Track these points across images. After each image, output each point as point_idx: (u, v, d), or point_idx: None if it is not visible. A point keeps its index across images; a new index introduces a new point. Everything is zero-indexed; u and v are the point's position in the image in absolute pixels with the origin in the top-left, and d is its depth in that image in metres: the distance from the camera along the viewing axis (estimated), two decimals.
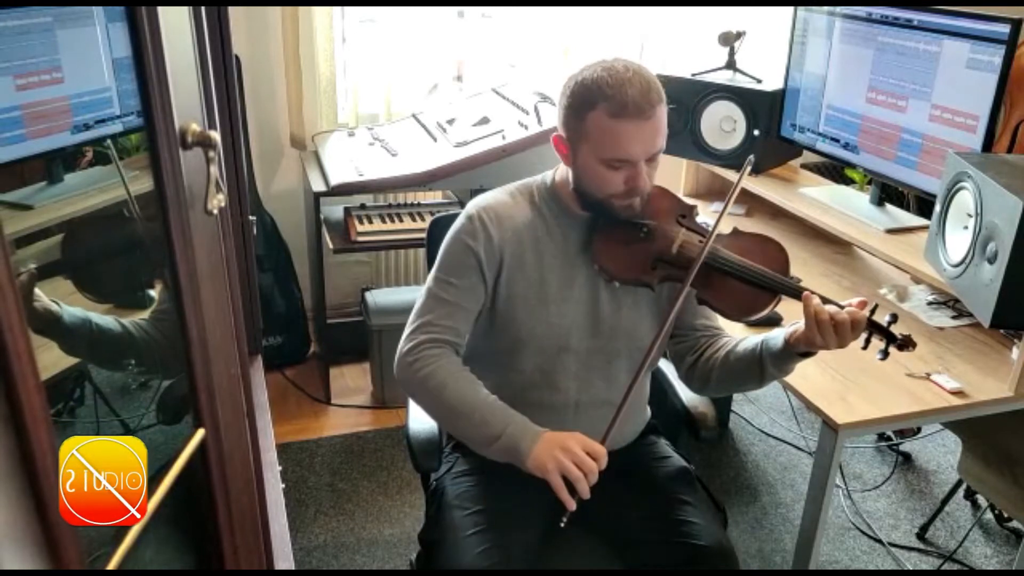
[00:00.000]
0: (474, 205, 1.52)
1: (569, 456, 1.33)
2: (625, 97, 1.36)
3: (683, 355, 1.61)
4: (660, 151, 1.43)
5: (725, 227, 1.51)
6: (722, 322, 1.62)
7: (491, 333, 1.54)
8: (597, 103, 1.37)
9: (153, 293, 1.04)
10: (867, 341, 1.42)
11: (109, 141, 0.94)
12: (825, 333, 1.35)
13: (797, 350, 1.42)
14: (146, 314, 1.02)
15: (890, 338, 1.40)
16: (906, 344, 1.40)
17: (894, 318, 1.41)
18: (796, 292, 1.43)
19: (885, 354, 1.41)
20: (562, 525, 1.32)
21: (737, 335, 1.59)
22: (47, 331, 0.82)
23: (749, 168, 1.50)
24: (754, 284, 1.46)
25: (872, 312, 1.39)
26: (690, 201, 1.60)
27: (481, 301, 1.51)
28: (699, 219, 1.56)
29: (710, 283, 1.47)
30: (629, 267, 1.49)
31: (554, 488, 1.32)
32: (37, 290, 0.80)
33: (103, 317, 0.94)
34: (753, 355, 1.49)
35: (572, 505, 1.31)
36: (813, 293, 1.39)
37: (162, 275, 0.99)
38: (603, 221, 1.50)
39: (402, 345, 1.49)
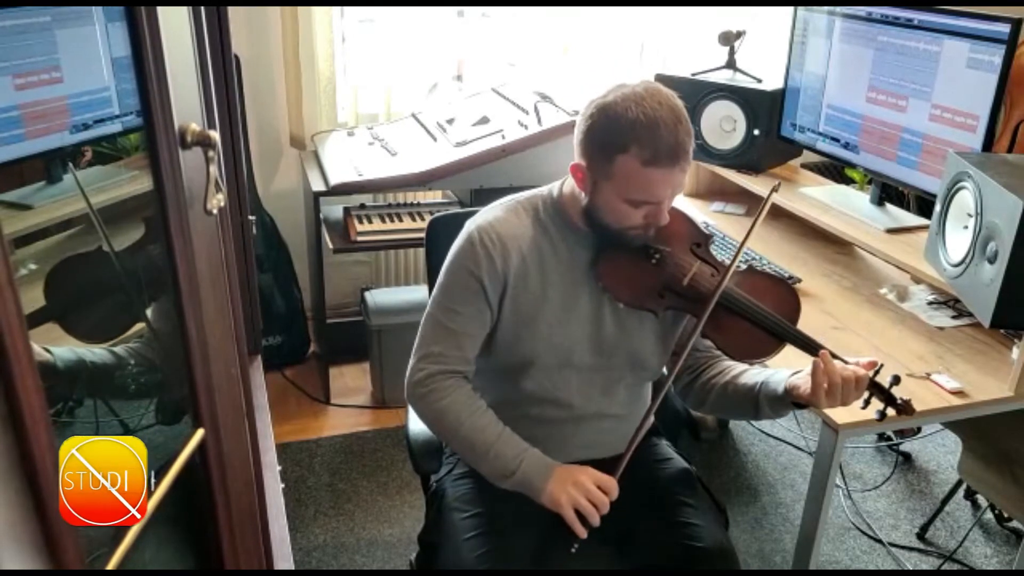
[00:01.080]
0: (475, 226, 1.47)
1: (581, 492, 1.36)
2: (659, 142, 1.30)
3: (681, 373, 1.59)
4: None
5: (732, 232, 1.49)
6: None
7: (493, 351, 1.52)
8: (629, 147, 1.31)
9: (146, 316, 1.03)
10: (867, 401, 1.40)
11: (71, 166, 0.93)
12: (832, 398, 1.35)
13: (796, 400, 1.40)
14: (139, 336, 1.01)
15: (890, 400, 1.38)
16: (905, 410, 1.38)
17: (896, 380, 1.39)
18: (803, 344, 1.42)
19: (882, 415, 1.38)
20: (572, 551, 1.36)
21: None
22: (43, 380, 0.81)
23: (772, 197, 1.47)
24: (763, 328, 1.43)
25: (876, 373, 1.37)
26: (690, 202, 1.59)
27: (488, 325, 1.48)
28: (711, 234, 1.53)
29: (718, 322, 1.44)
30: (636, 292, 1.45)
31: (568, 521, 1.36)
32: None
33: (94, 351, 0.93)
34: (751, 393, 1.47)
35: (584, 535, 1.35)
36: (822, 354, 1.37)
37: (151, 299, 0.98)
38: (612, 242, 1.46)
39: (411, 374, 1.48)
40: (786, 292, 1.50)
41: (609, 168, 1.35)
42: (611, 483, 1.37)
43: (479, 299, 1.45)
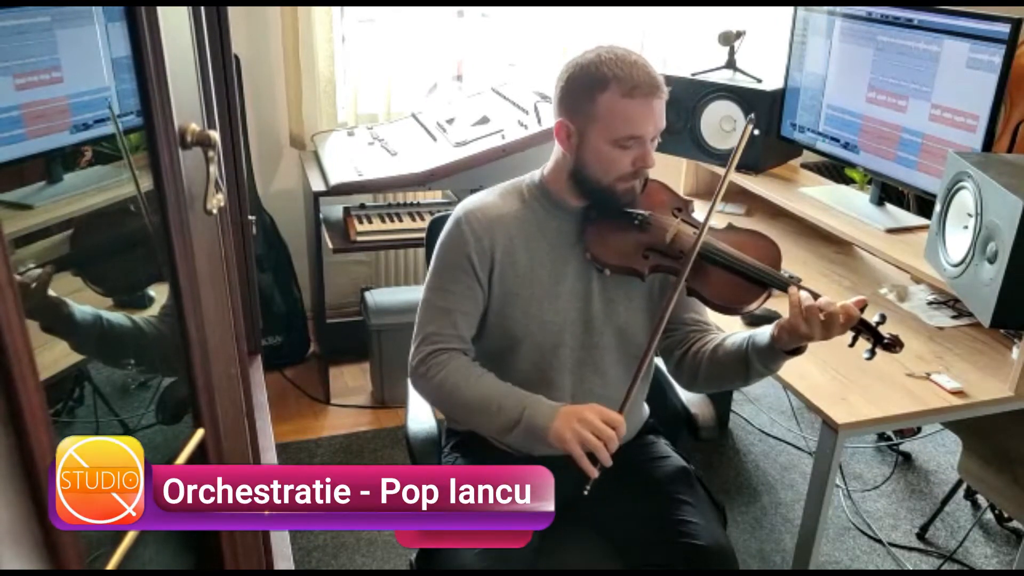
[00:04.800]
0: (461, 209, 1.53)
1: (587, 427, 1.35)
2: (636, 76, 1.40)
3: (672, 349, 1.61)
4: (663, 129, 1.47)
5: (722, 223, 1.51)
6: (713, 317, 1.62)
7: (485, 335, 1.55)
8: (609, 83, 1.40)
9: (161, 288, 1.03)
10: (854, 339, 1.41)
11: (121, 138, 0.93)
12: (811, 322, 1.35)
13: (784, 346, 1.41)
14: (155, 310, 1.02)
15: (877, 338, 1.39)
16: (893, 344, 1.38)
17: (883, 318, 1.41)
18: (786, 286, 1.43)
19: (872, 354, 1.39)
20: (585, 493, 1.33)
21: (728, 331, 1.58)
22: (57, 328, 0.81)
23: (752, 128, 1.51)
24: (745, 277, 1.46)
25: (861, 310, 1.38)
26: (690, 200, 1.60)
27: (481, 302, 1.52)
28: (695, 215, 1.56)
29: (701, 274, 1.48)
30: (621, 255, 1.49)
31: (575, 458, 1.34)
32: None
33: (114, 314, 0.94)
34: (740, 350, 1.48)
35: (594, 473, 1.33)
36: (804, 289, 1.39)
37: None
38: (596, 212, 1.51)
39: (411, 358, 1.53)
40: (766, 243, 1.53)
41: (593, 110, 1.41)
42: (618, 418, 1.36)
43: (469, 277, 1.50)
